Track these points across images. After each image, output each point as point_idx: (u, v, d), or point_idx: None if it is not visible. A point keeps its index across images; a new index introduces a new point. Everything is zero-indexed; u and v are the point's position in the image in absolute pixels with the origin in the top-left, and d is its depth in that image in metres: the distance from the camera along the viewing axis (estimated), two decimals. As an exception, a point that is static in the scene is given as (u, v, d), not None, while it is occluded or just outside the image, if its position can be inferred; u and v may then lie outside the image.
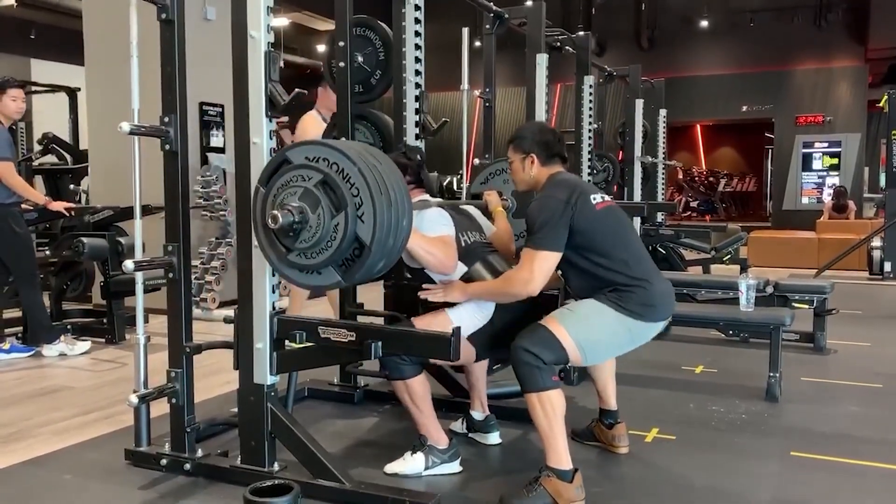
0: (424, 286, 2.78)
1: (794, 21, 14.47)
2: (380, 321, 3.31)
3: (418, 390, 2.69)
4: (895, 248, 8.49)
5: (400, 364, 2.62)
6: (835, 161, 14.73)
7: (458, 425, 3.17)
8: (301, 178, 2.22)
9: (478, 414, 3.13)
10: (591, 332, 2.54)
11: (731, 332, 5.05)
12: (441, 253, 2.68)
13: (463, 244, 2.82)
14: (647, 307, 2.58)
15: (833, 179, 14.52)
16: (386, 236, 2.19)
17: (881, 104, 8.94)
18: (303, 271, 2.27)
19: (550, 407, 2.41)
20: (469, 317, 2.73)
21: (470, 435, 3.13)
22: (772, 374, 3.73)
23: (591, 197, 2.64)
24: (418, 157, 3.12)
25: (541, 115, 4.94)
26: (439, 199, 3.02)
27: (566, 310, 2.62)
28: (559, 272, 2.71)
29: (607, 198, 2.72)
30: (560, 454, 2.44)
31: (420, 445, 2.75)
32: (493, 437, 3.09)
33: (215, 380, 3.96)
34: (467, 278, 2.77)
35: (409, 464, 2.74)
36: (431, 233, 2.71)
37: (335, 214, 2.18)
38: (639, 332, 2.62)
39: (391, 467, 2.74)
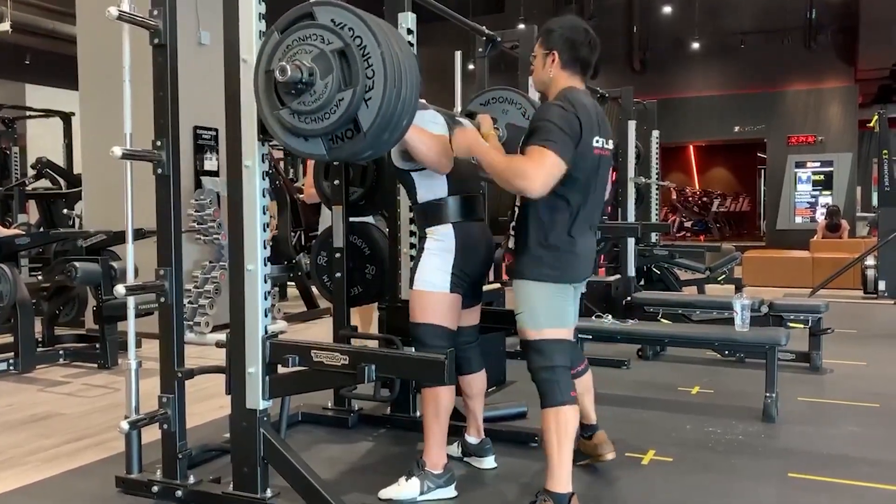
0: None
1: (784, 43, 14.64)
2: (374, 344, 3.29)
3: (446, 402, 2.70)
4: (889, 266, 8.51)
5: None
6: (826, 180, 14.81)
7: (454, 449, 3.14)
8: (321, 39, 2.11)
9: (473, 438, 3.10)
10: (548, 309, 2.51)
11: (726, 352, 5.03)
12: (438, 148, 2.61)
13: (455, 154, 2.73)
14: (565, 268, 2.51)
15: (826, 199, 14.60)
16: (384, 128, 2.12)
17: (872, 124, 9.01)
18: (289, 131, 2.20)
19: (565, 423, 2.43)
20: (434, 271, 2.69)
21: (465, 459, 3.10)
22: (768, 395, 3.72)
23: (595, 139, 2.47)
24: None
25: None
26: (444, 109, 2.94)
27: (520, 313, 2.55)
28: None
29: (607, 145, 2.55)
30: (560, 477, 2.43)
31: (415, 470, 2.72)
32: (489, 462, 3.06)
33: (208, 405, 3.92)
34: (437, 204, 2.71)
35: (404, 489, 2.70)
36: (428, 129, 2.65)
37: (343, 89, 2.09)
38: (572, 287, 2.59)
39: (385, 493, 2.71)
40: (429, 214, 2.75)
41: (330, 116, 2.12)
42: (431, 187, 2.73)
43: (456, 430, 3.23)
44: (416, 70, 2.22)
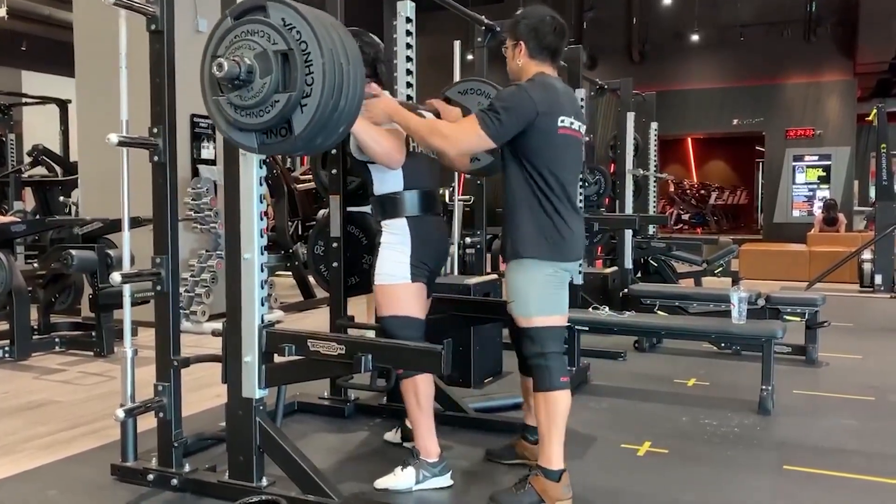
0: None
1: (783, 35, 14.61)
2: (371, 334, 3.28)
3: (425, 390, 2.72)
4: (885, 260, 8.53)
5: None
6: (825, 174, 14.82)
7: (392, 434, 3.18)
8: (267, 38, 2.11)
9: None
10: (540, 295, 2.55)
11: (723, 344, 5.05)
12: (388, 143, 2.61)
13: (411, 149, 2.76)
14: (557, 243, 2.55)
15: (823, 192, 14.60)
16: (317, 133, 2.14)
17: (870, 118, 9.00)
18: (226, 119, 2.22)
19: (554, 407, 2.50)
20: (393, 263, 2.70)
21: (404, 444, 3.11)
22: (764, 387, 3.73)
23: (560, 119, 2.53)
24: (375, 50, 2.94)
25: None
26: (399, 99, 2.96)
27: (513, 301, 2.61)
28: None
29: (577, 126, 2.62)
30: (552, 455, 2.51)
31: (410, 460, 2.73)
32: None
33: (204, 393, 3.92)
34: (392, 198, 2.72)
35: (400, 479, 2.71)
36: (383, 125, 2.66)
37: (280, 91, 2.10)
38: (560, 266, 2.60)
39: (381, 482, 2.71)
40: (384, 207, 2.76)
41: (264, 115, 2.13)
42: (386, 181, 2.74)
43: (398, 414, 3.23)
44: (361, 80, 2.21)
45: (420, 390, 2.71)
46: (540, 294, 2.56)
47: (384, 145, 2.60)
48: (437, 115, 3.06)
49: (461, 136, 2.51)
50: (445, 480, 2.75)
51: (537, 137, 2.50)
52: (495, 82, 3.47)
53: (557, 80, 2.65)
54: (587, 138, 2.68)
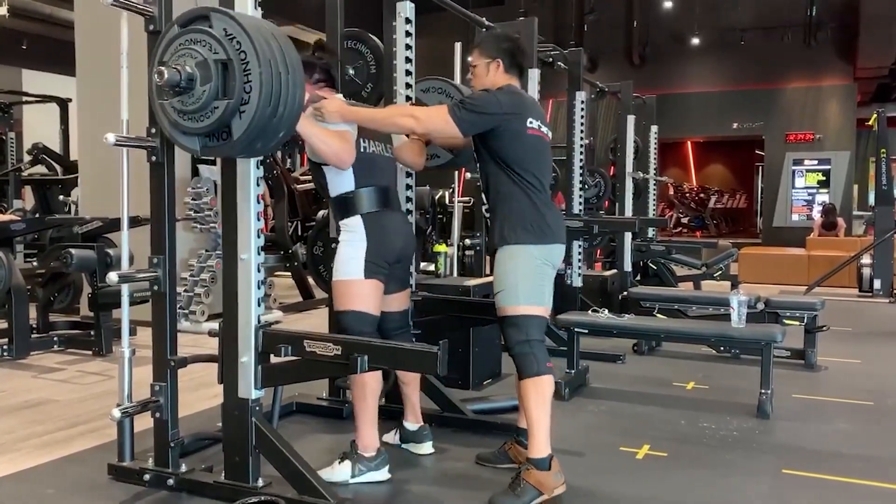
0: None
1: (784, 39, 14.61)
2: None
3: (372, 385, 2.78)
4: (884, 265, 8.52)
5: None
6: (824, 178, 14.82)
7: (392, 436, 3.18)
8: (208, 47, 2.20)
9: (411, 425, 3.14)
10: (526, 284, 2.65)
11: (722, 348, 5.04)
12: (337, 145, 2.66)
13: (362, 150, 2.80)
14: (542, 227, 2.68)
15: (823, 197, 14.60)
16: (255, 138, 2.23)
17: (870, 122, 9.00)
18: (170, 123, 2.30)
19: (544, 392, 2.60)
20: (348, 261, 2.75)
21: (403, 446, 3.14)
22: (763, 391, 3.72)
23: (529, 120, 2.72)
24: (327, 57, 3.07)
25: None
26: (352, 101, 3.03)
27: (500, 291, 2.68)
28: (479, 183, 2.86)
29: (545, 130, 2.80)
30: (540, 443, 2.58)
31: (348, 454, 2.78)
32: (426, 448, 3.11)
33: (201, 394, 3.91)
34: (346, 198, 2.78)
35: (336, 471, 2.76)
36: (331, 127, 2.71)
37: (219, 98, 2.19)
38: (548, 256, 2.71)
39: (321, 473, 2.68)
40: (340, 207, 2.83)
41: (204, 120, 2.23)
42: (340, 182, 2.80)
43: (395, 416, 3.24)
44: (300, 88, 2.29)
45: (367, 386, 2.77)
46: (526, 282, 2.66)
47: (332, 145, 2.66)
48: None
49: (431, 117, 2.68)
50: (382, 475, 2.79)
51: (510, 137, 2.68)
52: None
53: (522, 91, 2.89)
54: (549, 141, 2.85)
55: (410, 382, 3.12)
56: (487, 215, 2.84)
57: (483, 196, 2.85)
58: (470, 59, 2.89)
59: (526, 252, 2.66)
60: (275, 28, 2.30)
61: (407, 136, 3.06)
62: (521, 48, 2.89)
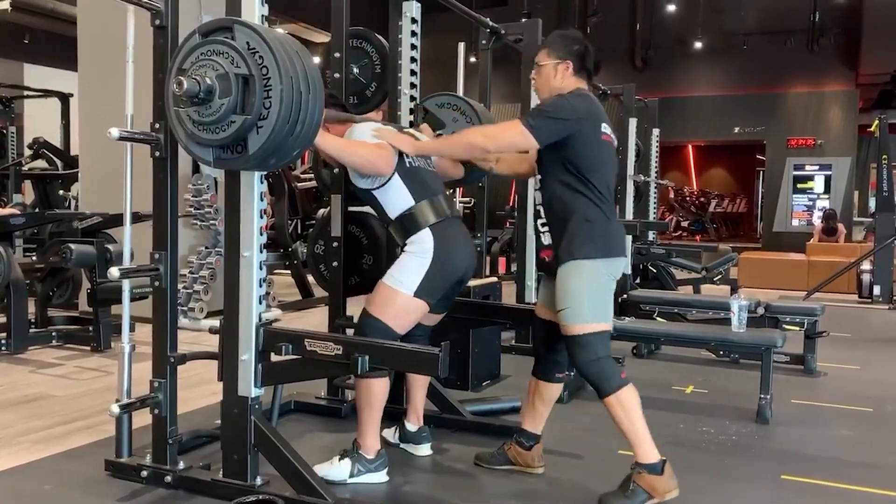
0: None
1: (787, 45, 14.60)
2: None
3: (379, 393, 2.73)
4: (884, 271, 8.52)
5: None
6: (825, 183, 14.82)
7: (391, 435, 3.16)
8: (230, 59, 2.17)
9: (412, 425, 3.12)
10: (593, 301, 2.59)
11: (721, 352, 5.04)
12: (368, 152, 2.63)
13: (408, 165, 2.76)
14: (609, 240, 2.64)
15: (823, 202, 14.60)
16: (270, 154, 2.21)
17: (872, 129, 9.00)
18: (185, 131, 2.27)
19: (628, 404, 2.56)
20: (407, 272, 2.67)
21: (402, 446, 3.13)
22: (763, 396, 3.71)
23: (602, 126, 2.66)
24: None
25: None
26: (407, 129, 3.03)
27: (565, 308, 2.60)
28: (538, 186, 2.78)
29: (613, 135, 2.75)
30: (646, 449, 2.56)
31: (349, 452, 2.77)
32: (424, 449, 3.10)
33: (200, 391, 3.91)
34: (409, 214, 2.71)
35: (335, 469, 2.75)
36: (370, 140, 2.70)
37: (237, 112, 2.16)
38: (614, 270, 2.68)
39: (318, 468, 2.68)
40: (404, 226, 2.74)
41: (220, 132, 2.20)
42: (397, 201, 2.74)
43: (395, 415, 3.22)
44: (319, 108, 2.27)
45: (373, 392, 2.72)
46: (593, 299, 2.60)
47: (365, 156, 2.63)
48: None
49: (503, 132, 2.65)
50: (381, 476, 2.78)
51: (583, 144, 2.60)
52: (499, 84, 3.50)
53: (593, 96, 2.78)
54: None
55: (419, 384, 3.10)
56: (543, 229, 2.74)
57: (542, 209, 2.74)
58: (536, 58, 2.79)
59: (593, 267, 2.59)
60: (298, 44, 2.28)
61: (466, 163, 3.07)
62: (591, 51, 2.78)
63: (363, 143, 2.67)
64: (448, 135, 2.80)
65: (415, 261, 2.68)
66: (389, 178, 2.71)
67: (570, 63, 2.72)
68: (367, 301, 2.76)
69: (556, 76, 2.73)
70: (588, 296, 2.59)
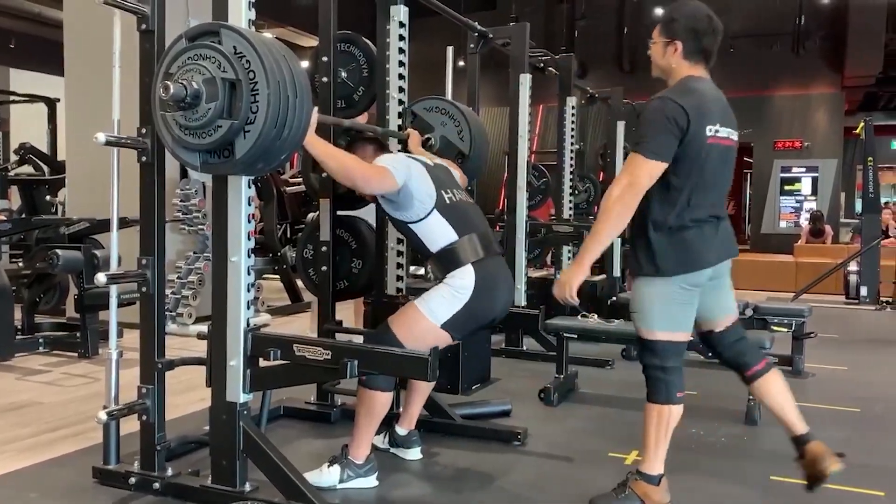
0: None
1: (773, 48, 14.69)
2: (359, 339, 3.26)
3: (383, 406, 2.72)
4: (871, 272, 8.59)
5: (379, 375, 2.60)
6: (812, 185, 14.92)
7: (380, 440, 3.15)
8: (217, 64, 2.16)
9: (402, 430, 3.12)
10: (665, 313, 2.49)
11: (710, 353, 5.04)
12: (355, 165, 2.63)
13: (448, 201, 2.73)
14: (689, 255, 2.45)
15: (810, 204, 14.70)
16: (257, 159, 2.21)
17: (858, 131, 9.07)
18: (171, 135, 2.26)
19: (665, 421, 2.52)
20: (440, 303, 2.63)
21: (392, 450, 3.12)
22: (751, 398, 3.73)
23: (709, 127, 2.40)
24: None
25: (524, 134, 4.95)
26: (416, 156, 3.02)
27: (634, 311, 2.56)
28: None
29: (722, 134, 2.45)
30: (655, 463, 2.55)
31: (338, 458, 2.76)
32: (414, 454, 3.10)
33: (189, 397, 3.88)
34: (451, 249, 2.66)
35: (325, 475, 2.74)
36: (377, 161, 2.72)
37: (224, 117, 2.16)
38: (693, 281, 2.50)
39: (307, 476, 2.65)
40: (445, 261, 2.68)
41: (207, 137, 2.19)
42: (438, 235, 2.69)
43: (386, 420, 3.19)
44: (306, 112, 2.27)
45: (375, 405, 2.69)
46: (663, 310, 2.50)
47: (348, 164, 2.63)
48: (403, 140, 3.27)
49: (629, 176, 2.37)
50: (371, 481, 2.78)
51: (682, 147, 2.38)
52: (488, 87, 3.50)
53: (709, 84, 2.53)
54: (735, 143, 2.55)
55: (420, 393, 3.09)
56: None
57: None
58: (653, 35, 2.58)
59: (663, 283, 2.48)
60: (285, 48, 2.26)
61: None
62: (710, 29, 2.48)
63: (354, 157, 2.67)
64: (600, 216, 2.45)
65: (452, 294, 2.63)
66: (428, 214, 2.68)
67: (678, 44, 2.47)
68: (393, 316, 2.72)
69: (664, 56, 2.52)
70: (657, 306, 2.49)
